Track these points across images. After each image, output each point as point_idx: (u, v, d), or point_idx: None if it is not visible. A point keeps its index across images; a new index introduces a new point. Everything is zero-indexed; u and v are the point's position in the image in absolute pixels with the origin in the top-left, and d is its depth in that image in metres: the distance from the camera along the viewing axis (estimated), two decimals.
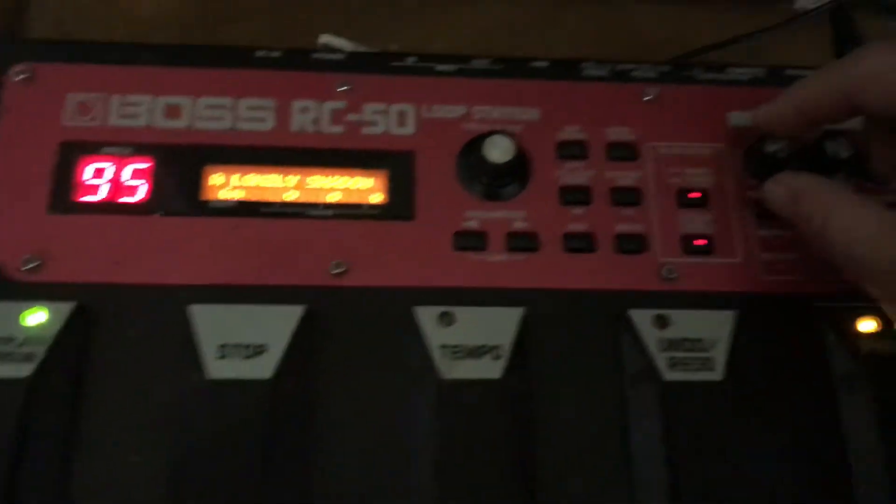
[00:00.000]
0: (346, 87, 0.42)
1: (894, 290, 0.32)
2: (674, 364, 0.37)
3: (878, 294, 0.33)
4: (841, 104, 0.35)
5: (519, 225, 0.40)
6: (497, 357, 0.36)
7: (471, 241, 0.39)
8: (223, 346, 0.35)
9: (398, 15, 0.55)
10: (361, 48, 0.49)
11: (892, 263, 0.32)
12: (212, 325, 0.36)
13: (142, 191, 0.39)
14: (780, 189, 0.37)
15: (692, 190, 0.41)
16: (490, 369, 0.36)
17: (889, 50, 0.34)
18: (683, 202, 0.41)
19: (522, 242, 0.39)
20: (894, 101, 0.33)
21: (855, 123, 0.39)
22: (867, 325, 0.39)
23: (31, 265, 0.37)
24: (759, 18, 0.55)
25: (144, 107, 0.40)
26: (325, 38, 0.48)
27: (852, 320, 0.39)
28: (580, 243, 0.40)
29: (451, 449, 0.35)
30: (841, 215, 0.34)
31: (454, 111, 0.42)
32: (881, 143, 0.37)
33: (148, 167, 0.39)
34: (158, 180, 0.39)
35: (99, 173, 0.39)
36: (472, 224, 0.40)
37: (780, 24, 0.55)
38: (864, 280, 0.33)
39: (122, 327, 0.36)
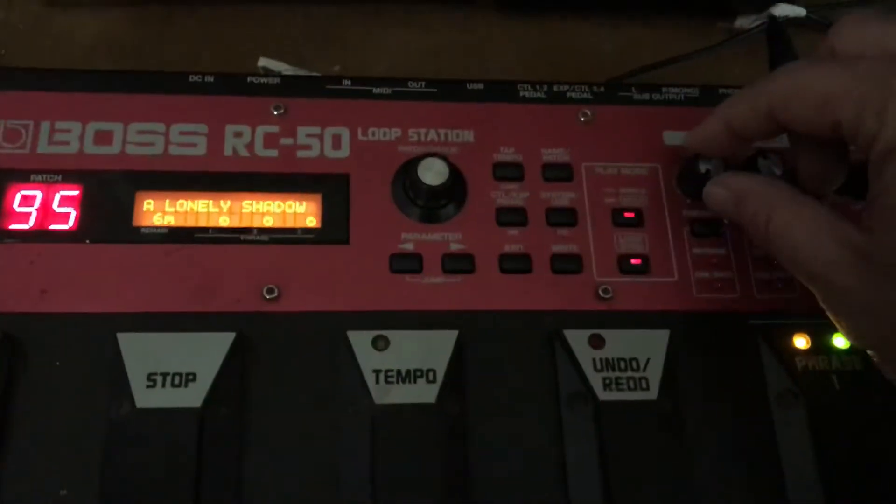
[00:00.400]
0: (280, 111, 0.41)
1: (829, 289, 0.33)
2: (608, 384, 0.37)
3: (817, 294, 0.33)
4: (766, 122, 0.35)
5: (455, 247, 0.40)
6: (431, 381, 0.36)
7: (406, 263, 0.39)
8: (152, 374, 0.35)
9: (340, 39, 0.55)
10: (301, 72, 0.48)
11: (826, 265, 0.32)
12: (140, 353, 0.35)
13: (71, 218, 0.38)
14: (722, 190, 0.37)
15: (627, 210, 0.41)
16: (424, 393, 0.36)
17: (809, 67, 0.34)
18: (619, 222, 0.41)
19: (459, 264, 0.39)
20: (815, 117, 0.33)
21: (787, 140, 0.39)
22: (802, 341, 0.39)
23: None
24: (699, 38, 0.56)
25: (74, 133, 0.40)
26: (264, 62, 0.48)
27: (788, 337, 0.39)
28: (516, 264, 0.40)
29: (385, 474, 0.34)
30: (781, 215, 0.34)
31: (389, 134, 0.42)
32: (807, 160, 0.37)
33: (77, 194, 0.39)
34: (89, 207, 0.39)
35: (27, 201, 0.38)
36: (408, 246, 0.40)
37: (719, 43, 0.56)
38: (804, 279, 0.34)
39: (49, 357, 0.36)
